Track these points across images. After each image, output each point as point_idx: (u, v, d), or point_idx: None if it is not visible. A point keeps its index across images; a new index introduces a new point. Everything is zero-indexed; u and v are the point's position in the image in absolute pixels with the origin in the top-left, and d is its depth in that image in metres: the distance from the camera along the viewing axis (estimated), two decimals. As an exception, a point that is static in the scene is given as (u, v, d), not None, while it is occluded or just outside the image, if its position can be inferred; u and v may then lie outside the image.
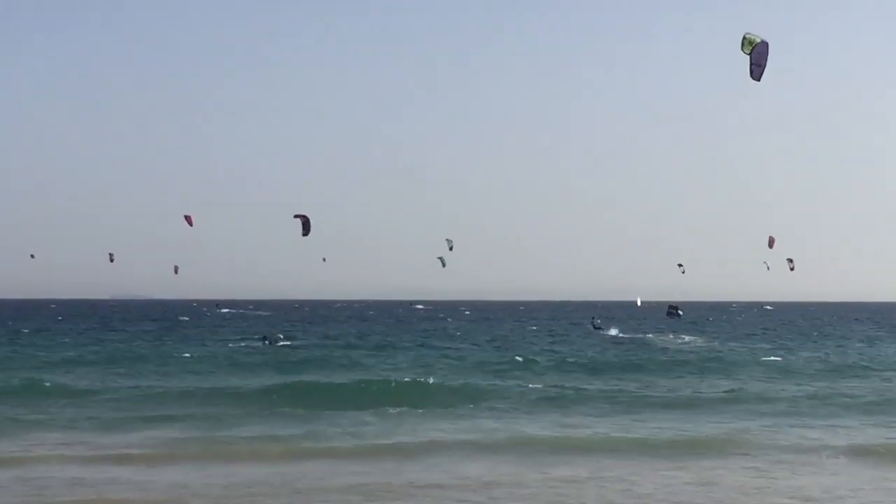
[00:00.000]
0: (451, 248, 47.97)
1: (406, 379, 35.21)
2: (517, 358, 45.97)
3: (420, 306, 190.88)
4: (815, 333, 77.83)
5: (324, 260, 71.88)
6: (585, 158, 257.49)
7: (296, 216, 34.48)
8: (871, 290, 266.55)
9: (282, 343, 60.96)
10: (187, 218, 43.03)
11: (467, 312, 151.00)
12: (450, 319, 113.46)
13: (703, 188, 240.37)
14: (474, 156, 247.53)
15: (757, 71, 17.82)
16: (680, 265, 68.81)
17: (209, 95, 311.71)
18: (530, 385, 34.16)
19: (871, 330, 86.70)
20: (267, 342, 60.60)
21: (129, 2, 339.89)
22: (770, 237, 49.75)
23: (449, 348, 55.33)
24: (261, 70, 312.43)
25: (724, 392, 32.29)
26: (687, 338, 67.62)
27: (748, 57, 17.81)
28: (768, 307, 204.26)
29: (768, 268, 58.06)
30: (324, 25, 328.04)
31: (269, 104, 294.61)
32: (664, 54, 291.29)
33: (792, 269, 55.06)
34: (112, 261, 58.36)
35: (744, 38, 17.71)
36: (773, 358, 47.89)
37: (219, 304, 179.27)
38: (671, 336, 70.16)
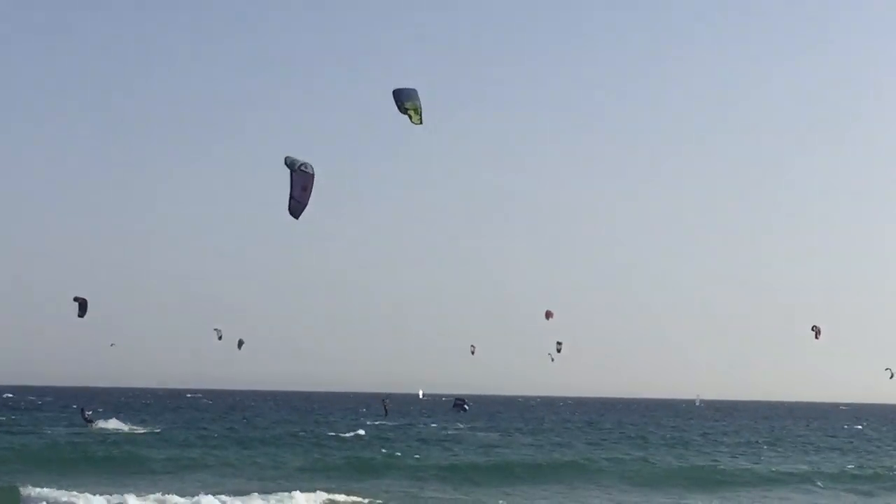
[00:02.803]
0: (220, 338, 47.49)
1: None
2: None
3: (191, 395, 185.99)
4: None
5: (112, 345, 68.87)
6: (370, 246, 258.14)
7: (75, 298, 33.76)
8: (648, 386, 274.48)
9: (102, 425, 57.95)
10: None
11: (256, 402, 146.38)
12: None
13: (488, 275, 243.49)
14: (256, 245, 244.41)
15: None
16: (472, 346, 68.02)
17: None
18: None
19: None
20: (88, 422, 58.57)
21: None
22: (547, 311, 49.68)
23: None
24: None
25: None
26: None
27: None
28: (534, 402, 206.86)
29: (553, 359, 57.98)
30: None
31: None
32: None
33: (559, 350, 55.25)
34: None
35: (413, 110, 16.68)
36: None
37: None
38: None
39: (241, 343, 48.51)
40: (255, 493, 26.86)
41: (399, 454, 42.89)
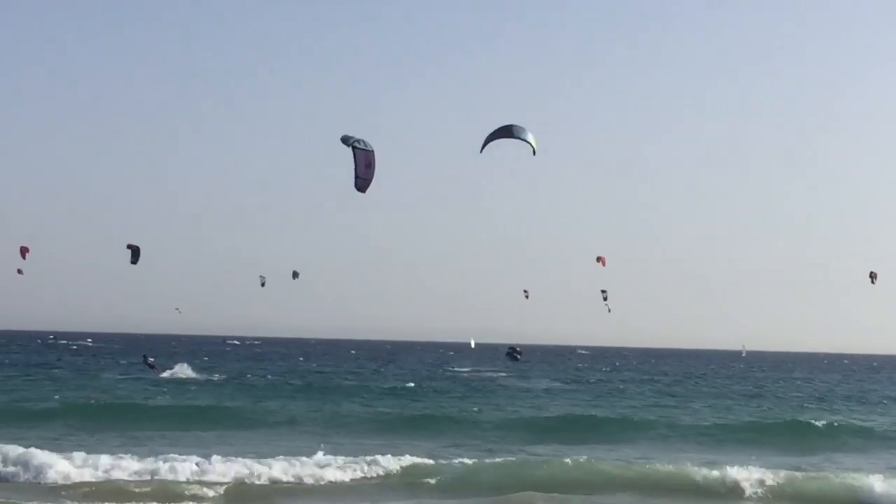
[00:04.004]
0: (263, 285, 47.24)
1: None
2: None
3: (234, 342, 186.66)
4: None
5: (178, 311, 67.70)
6: (422, 197, 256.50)
7: (128, 246, 33.38)
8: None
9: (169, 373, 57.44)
10: (23, 249, 38.14)
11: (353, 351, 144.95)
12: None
13: (539, 225, 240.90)
14: (307, 196, 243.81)
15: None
16: (525, 291, 66.60)
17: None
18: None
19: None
20: (152, 367, 58.31)
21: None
22: (599, 256, 48.32)
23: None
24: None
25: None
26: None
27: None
28: (582, 351, 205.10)
29: (609, 310, 56.81)
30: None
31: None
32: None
33: (605, 299, 53.93)
34: None
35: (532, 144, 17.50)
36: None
37: (54, 335, 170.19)
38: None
39: (295, 274, 47.54)
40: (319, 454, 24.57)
41: (473, 408, 41.35)
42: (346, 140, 16.72)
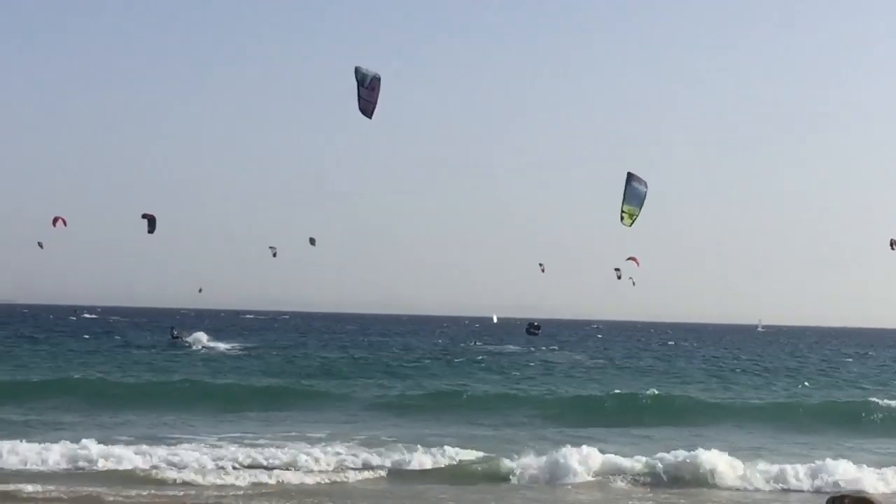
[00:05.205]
0: (274, 255, 47.56)
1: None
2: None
3: (249, 315, 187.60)
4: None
5: (200, 291, 67.12)
6: (438, 167, 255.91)
7: (143, 216, 33.20)
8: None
9: (193, 344, 57.90)
10: (56, 220, 37.17)
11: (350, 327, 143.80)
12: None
13: (564, 206, 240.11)
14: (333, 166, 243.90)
15: None
16: (540, 265, 65.63)
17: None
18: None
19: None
20: (176, 338, 59.21)
21: None
22: (632, 257, 47.01)
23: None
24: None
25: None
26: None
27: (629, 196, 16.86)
28: (595, 325, 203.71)
29: (634, 283, 55.73)
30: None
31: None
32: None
33: (619, 277, 52.72)
34: None
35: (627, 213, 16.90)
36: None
37: (77, 309, 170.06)
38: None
39: (312, 241, 46.95)
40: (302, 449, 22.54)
41: (522, 387, 39.77)
42: (362, 79, 16.36)
